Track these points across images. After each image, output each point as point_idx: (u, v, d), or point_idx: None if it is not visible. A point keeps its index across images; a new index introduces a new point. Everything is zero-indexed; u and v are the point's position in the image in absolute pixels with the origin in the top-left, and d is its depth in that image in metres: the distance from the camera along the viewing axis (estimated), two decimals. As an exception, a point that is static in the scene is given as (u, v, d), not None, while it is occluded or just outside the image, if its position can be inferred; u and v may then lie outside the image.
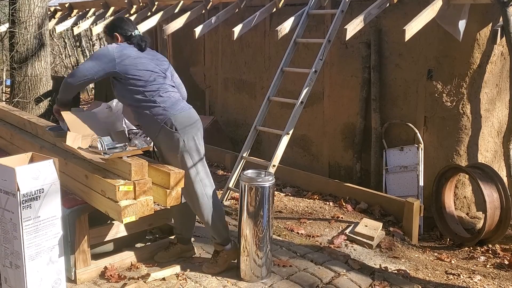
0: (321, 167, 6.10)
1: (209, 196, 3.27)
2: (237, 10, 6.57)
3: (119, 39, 3.34)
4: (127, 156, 2.94)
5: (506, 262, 4.16)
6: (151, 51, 3.36)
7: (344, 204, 4.85)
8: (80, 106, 3.54)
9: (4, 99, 8.41)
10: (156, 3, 7.64)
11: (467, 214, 5.07)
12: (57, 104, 3.33)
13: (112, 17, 3.67)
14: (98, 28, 7.85)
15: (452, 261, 4.21)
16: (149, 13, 7.70)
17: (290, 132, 4.85)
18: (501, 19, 4.46)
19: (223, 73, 7.46)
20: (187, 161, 3.17)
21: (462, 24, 4.61)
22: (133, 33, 3.33)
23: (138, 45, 3.27)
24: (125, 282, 3.20)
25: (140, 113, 3.19)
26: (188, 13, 6.86)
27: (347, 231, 4.28)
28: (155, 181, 2.99)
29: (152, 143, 3.29)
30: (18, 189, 2.69)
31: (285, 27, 5.39)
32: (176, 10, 7.32)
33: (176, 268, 3.37)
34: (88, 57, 3.31)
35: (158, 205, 3.30)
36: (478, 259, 4.31)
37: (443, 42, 4.92)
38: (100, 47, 14.21)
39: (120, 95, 3.28)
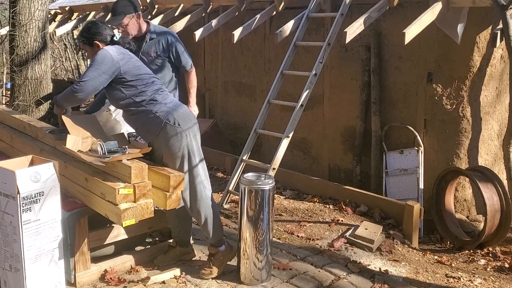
0: (321, 170, 6.09)
1: (208, 197, 3.28)
2: (237, 13, 6.57)
3: (100, 47, 3.19)
4: (127, 159, 2.94)
5: (507, 265, 4.15)
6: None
7: (344, 207, 4.84)
8: (80, 109, 3.54)
9: (4, 102, 8.41)
10: (156, 6, 7.65)
11: (467, 217, 5.07)
12: (57, 107, 3.32)
13: (84, 24, 3.54)
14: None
15: (453, 264, 4.21)
16: (149, 17, 7.70)
17: (290, 135, 4.85)
18: (500, 22, 4.46)
19: (223, 76, 7.47)
20: (189, 160, 3.15)
21: (460, 28, 4.61)
22: (114, 37, 3.24)
23: (128, 47, 3.27)
24: (125, 286, 3.20)
25: (139, 114, 3.14)
26: (188, 16, 6.87)
27: (347, 234, 4.27)
28: (155, 184, 2.99)
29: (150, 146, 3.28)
30: (18, 192, 2.69)
31: (285, 30, 5.39)
32: (176, 13, 7.33)
33: (176, 271, 3.37)
34: (89, 65, 3.19)
35: (157, 208, 3.30)
36: (479, 262, 4.30)
37: (443, 45, 4.92)
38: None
39: (117, 98, 3.16)
